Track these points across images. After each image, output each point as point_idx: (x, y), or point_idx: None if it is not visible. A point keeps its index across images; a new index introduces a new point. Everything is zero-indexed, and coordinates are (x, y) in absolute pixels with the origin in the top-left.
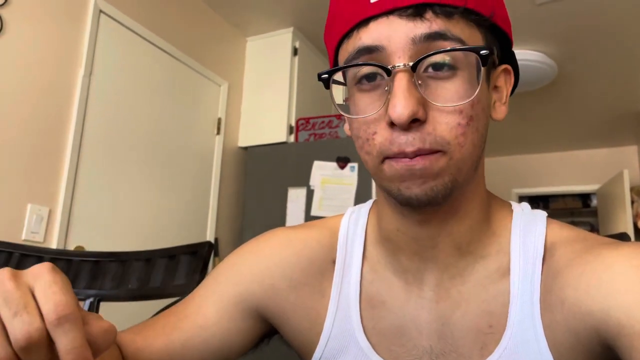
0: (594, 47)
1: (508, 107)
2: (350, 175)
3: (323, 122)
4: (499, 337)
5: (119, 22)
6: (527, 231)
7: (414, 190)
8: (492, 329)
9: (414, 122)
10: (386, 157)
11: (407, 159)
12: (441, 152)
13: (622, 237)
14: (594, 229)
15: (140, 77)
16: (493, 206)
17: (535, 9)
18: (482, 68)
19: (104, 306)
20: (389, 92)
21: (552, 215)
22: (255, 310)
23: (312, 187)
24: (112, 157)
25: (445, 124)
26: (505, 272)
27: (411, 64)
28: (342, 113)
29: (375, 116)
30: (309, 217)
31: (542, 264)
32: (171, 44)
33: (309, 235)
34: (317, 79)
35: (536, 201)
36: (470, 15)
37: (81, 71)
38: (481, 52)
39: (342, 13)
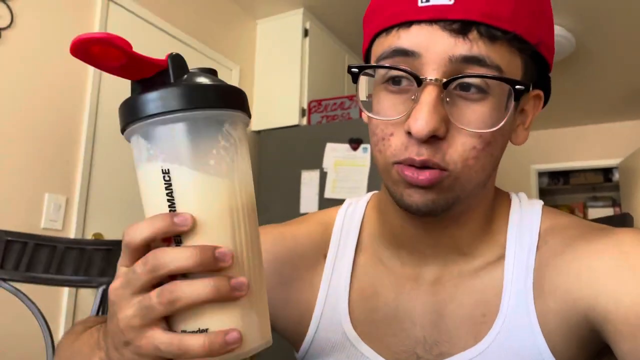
0: (612, 20)
1: (530, 131)
2: (363, 156)
3: (335, 103)
4: (492, 324)
5: (127, 9)
6: (523, 222)
7: (415, 198)
8: (485, 318)
9: (432, 138)
10: (396, 162)
11: (414, 168)
12: (447, 171)
13: (625, 217)
14: (615, 203)
15: None
16: (495, 206)
17: None
18: (513, 99)
19: None
20: (415, 101)
21: (572, 190)
22: None
23: (325, 170)
24: (126, 145)
25: (461, 144)
26: (501, 262)
27: (444, 80)
28: (364, 111)
29: (396, 120)
30: (322, 200)
31: (536, 252)
32: (181, 29)
33: (300, 231)
34: (329, 60)
35: (556, 177)
36: (515, 43)
37: None
38: (516, 86)
39: (388, 5)
